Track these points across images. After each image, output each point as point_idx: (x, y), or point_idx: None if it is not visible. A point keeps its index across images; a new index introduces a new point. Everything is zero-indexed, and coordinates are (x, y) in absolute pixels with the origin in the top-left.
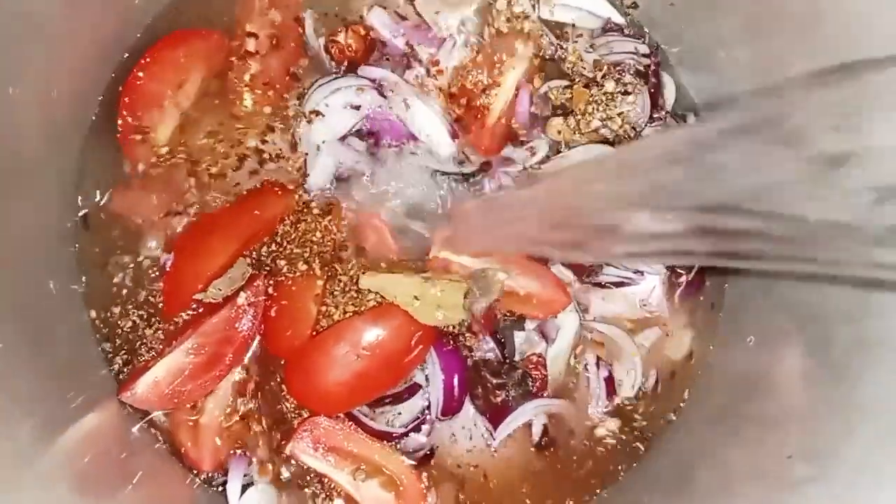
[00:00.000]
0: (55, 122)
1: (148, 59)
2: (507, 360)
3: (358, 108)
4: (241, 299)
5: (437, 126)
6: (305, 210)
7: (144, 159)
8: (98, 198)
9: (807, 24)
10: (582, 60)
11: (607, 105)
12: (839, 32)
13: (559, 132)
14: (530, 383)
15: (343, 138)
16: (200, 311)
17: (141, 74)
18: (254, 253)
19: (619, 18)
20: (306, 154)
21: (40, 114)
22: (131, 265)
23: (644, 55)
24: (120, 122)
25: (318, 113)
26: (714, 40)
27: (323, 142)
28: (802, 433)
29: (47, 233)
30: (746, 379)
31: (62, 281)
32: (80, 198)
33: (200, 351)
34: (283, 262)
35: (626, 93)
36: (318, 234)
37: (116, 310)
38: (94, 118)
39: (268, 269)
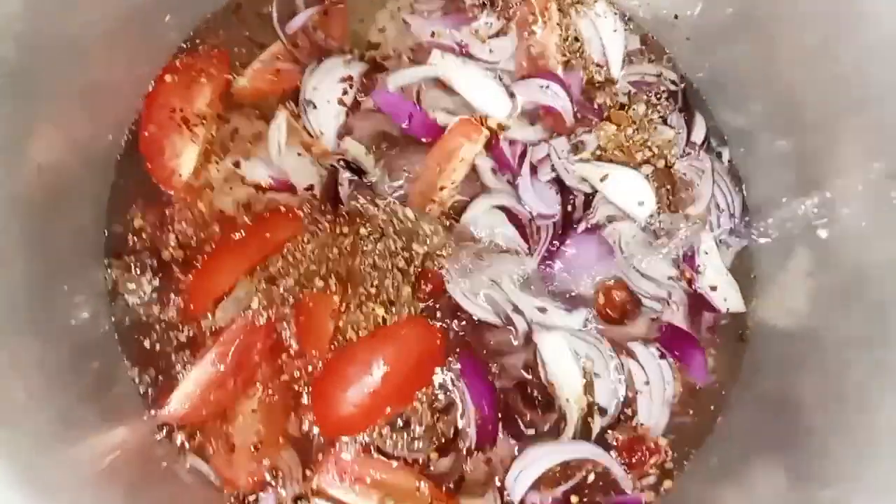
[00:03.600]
0: (90, 148)
1: (155, 88)
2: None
3: (349, 77)
4: (255, 304)
5: (492, 86)
6: (324, 226)
7: (172, 187)
8: (130, 222)
9: (819, 58)
10: (614, 84)
11: (648, 130)
12: (851, 67)
13: (608, 139)
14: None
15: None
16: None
17: (151, 104)
18: (269, 269)
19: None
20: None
21: (76, 139)
22: (157, 287)
23: (672, 81)
24: (144, 150)
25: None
26: (733, 72)
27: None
28: (824, 457)
29: (81, 255)
30: (769, 404)
31: (92, 303)
32: (112, 223)
33: (224, 359)
34: (298, 279)
35: (664, 121)
36: (335, 251)
37: (144, 331)
38: (123, 144)
39: (280, 285)
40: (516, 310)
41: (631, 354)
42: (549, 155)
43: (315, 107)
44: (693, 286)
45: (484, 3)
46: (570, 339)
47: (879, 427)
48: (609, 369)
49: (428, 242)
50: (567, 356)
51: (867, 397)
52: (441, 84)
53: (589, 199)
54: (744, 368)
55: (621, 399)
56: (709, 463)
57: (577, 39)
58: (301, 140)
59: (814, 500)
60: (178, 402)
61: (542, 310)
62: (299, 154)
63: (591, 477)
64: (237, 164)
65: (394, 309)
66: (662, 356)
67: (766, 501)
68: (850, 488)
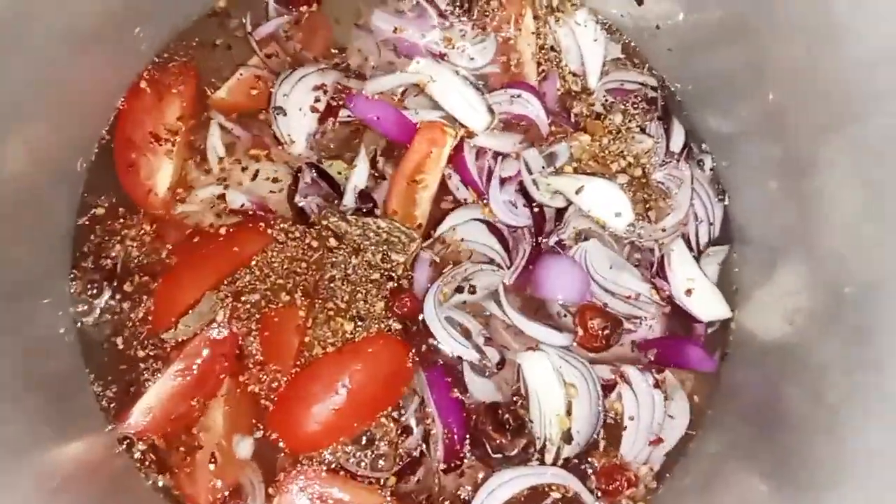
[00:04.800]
0: (58, 161)
1: (125, 104)
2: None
3: (322, 86)
4: (220, 317)
5: (471, 96)
6: (293, 239)
7: (149, 205)
8: (97, 235)
9: (802, 70)
10: (591, 94)
11: (625, 140)
12: (833, 81)
13: (582, 150)
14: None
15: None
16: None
17: (122, 120)
18: (236, 283)
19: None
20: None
21: (44, 152)
22: (122, 300)
23: (652, 87)
24: (118, 169)
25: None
26: (716, 82)
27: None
28: (795, 483)
29: (46, 268)
30: (743, 424)
31: (56, 316)
32: (78, 236)
33: (186, 373)
34: (264, 293)
35: (642, 130)
36: (303, 265)
37: (108, 344)
38: (93, 158)
39: (245, 300)
40: (488, 341)
41: (624, 378)
42: (518, 171)
43: (285, 114)
44: (669, 299)
45: (458, 11)
46: (556, 359)
47: (854, 452)
48: (591, 395)
49: (405, 251)
50: (551, 376)
51: (842, 421)
52: (423, 93)
53: (560, 214)
54: (722, 385)
55: (600, 427)
56: (684, 482)
57: (553, 49)
58: (249, 150)
59: None
60: (139, 416)
61: (521, 330)
62: (247, 168)
63: (560, 502)
64: (222, 197)
65: (363, 324)
66: (656, 385)
67: None
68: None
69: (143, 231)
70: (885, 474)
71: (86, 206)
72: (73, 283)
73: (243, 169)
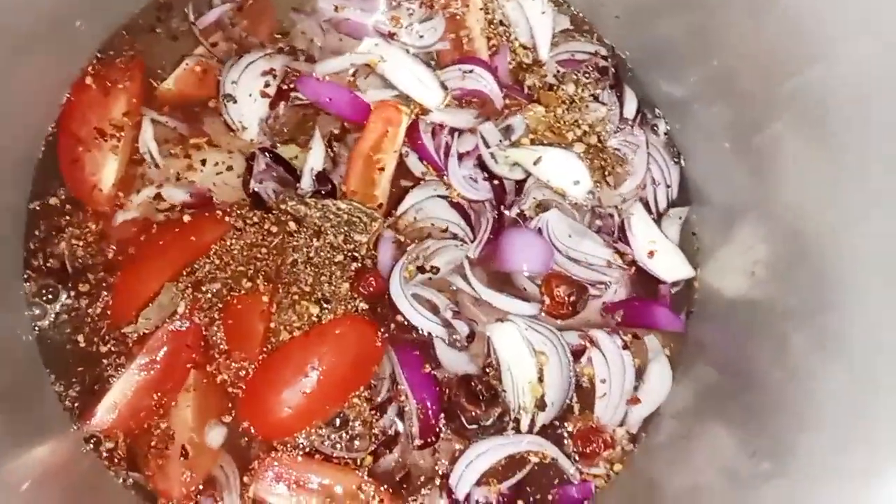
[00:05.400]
0: (4, 160)
1: (70, 101)
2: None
3: (271, 70)
4: (181, 308)
5: (423, 74)
6: (251, 225)
7: (94, 201)
8: (49, 233)
9: (746, 28)
10: (542, 65)
11: (579, 109)
12: (776, 38)
13: (538, 121)
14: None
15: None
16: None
17: (66, 116)
18: (195, 273)
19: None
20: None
21: None
22: (78, 297)
23: (603, 56)
24: (62, 166)
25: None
26: (665, 47)
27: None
28: (763, 432)
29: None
30: (715, 377)
31: (11, 317)
32: (29, 235)
33: (150, 367)
34: (225, 281)
35: (595, 99)
36: (264, 250)
37: (67, 342)
38: (41, 155)
39: (206, 289)
40: (456, 315)
41: (593, 342)
42: (476, 146)
43: (235, 101)
44: (632, 262)
45: None
46: (524, 329)
47: (821, 397)
48: (561, 361)
49: (367, 230)
50: (521, 345)
51: (806, 367)
52: (375, 73)
53: (520, 185)
54: (689, 343)
55: (573, 392)
56: (657, 439)
57: (502, 23)
58: (189, 140)
59: (756, 472)
60: (105, 413)
61: (488, 302)
62: (191, 158)
63: (538, 469)
64: (159, 196)
65: (329, 306)
66: (625, 347)
67: (712, 476)
68: (788, 461)
69: (87, 228)
70: (847, 416)
71: (36, 203)
72: (27, 284)
73: (187, 160)
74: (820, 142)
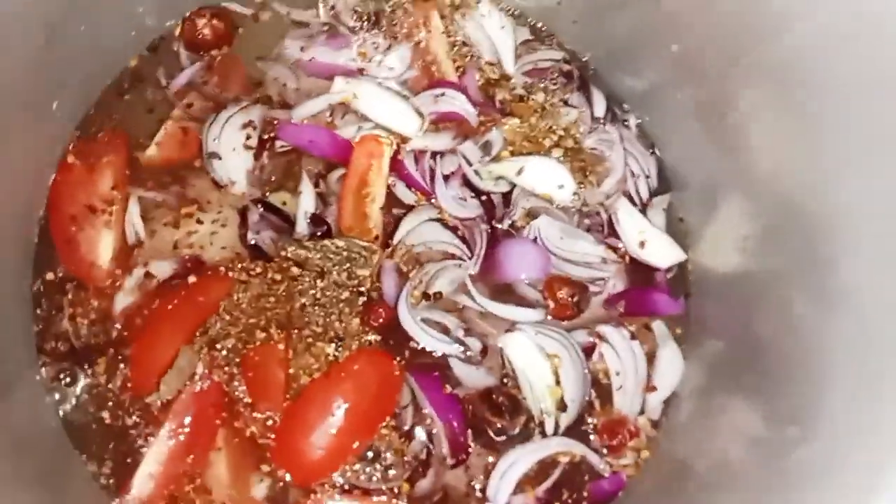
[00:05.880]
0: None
1: (55, 182)
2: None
3: (250, 123)
4: (199, 369)
5: (398, 104)
6: (255, 276)
7: (94, 279)
8: (57, 314)
9: (699, 14)
10: (510, 79)
11: (552, 115)
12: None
13: (514, 133)
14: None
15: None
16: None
17: (54, 197)
18: (208, 332)
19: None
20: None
21: None
22: (96, 374)
23: (566, 61)
24: (58, 248)
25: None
26: (623, 43)
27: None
28: (786, 395)
29: (11, 358)
30: (723, 353)
31: (33, 403)
32: (38, 319)
33: (179, 431)
34: (239, 335)
35: (565, 103)
36: (272, 299)
37: (92, 421)
38: (36, 239)
39: (221, 346)
40: (467, 332)
41: (601, 338)
42: (459, 166)
43: (220, 157)
44: (625, 255)
45: (367, 24)
46: (534, 335)
47: (835, 354)
48: (574, 361)
49: (369, 264)
50: (534, 352)
51: (817, 325)
52: (351, 110)
53: (507, 197)
54: (692, 323)
55: (590, 388)
56: (678, 421)
57: (465, 44)
58: (181, 209)
59: (783, 440)
60: (141, 485)
61: (496, 315)
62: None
63: (569, 468)
64: (149, 274)
65: (343, 343)
66: (633, 337)
67: (740, 449)
68: (814, 420)
69: (92, 306)
70: (866, 370)
71: (39, 287)
72: (43, 370)
73: (181, 228)
74: (789, 110)
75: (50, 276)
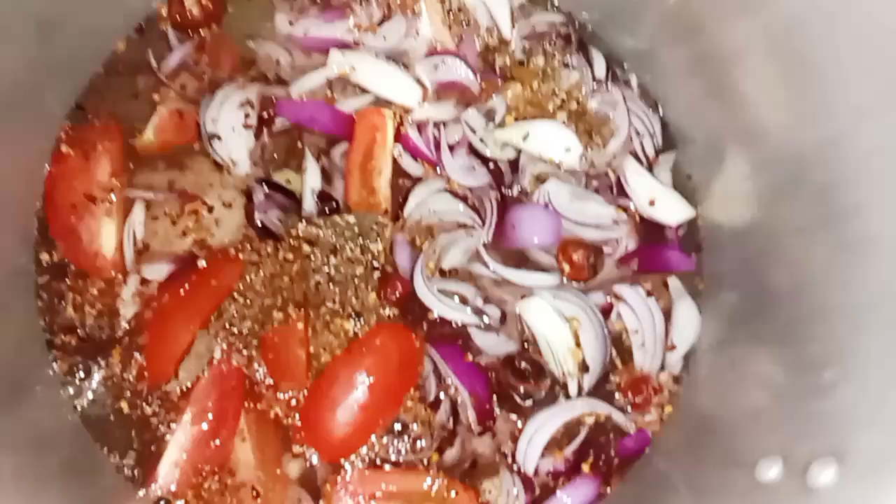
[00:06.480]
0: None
1: (51, 173)
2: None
3: (248, 101)
4: (217, 353)
5: (397, 75)
6: (266, 257)
7: (99, 269)
8: (65, 308)
9: None
10: (508, 44)
11: (553, 79)
12: None
13: (517, 98)
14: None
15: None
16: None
17: (50, 189)
18: (223, 316)
19: None
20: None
21: None
22: (112, 364)
23: (562, 24)
24: (59, 240)
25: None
26: (619, 3)
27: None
28: (813, 342)
29: (25, 355)
30: (742, 306)
31: (51, 398)
32: (47, 314)
33: (202, 417)
34: (255, 316)
35: (566, 66)
36: (286, 279)
37: (111, 412)
38: (35, 232)
39: (238, 329)
40: (487, 300)
41: (618, 297)
42: (464, 134)
43: (220, 138)
44: (636, 214)
45: None
46: (551, 299)
47: (864, 298)
48: (593, 322)
49: (381, 237)
50: (552, 316)
51: (840, 270)
52: (350, 83)
53: (514, 163)
54: (707, 277)
55: (610, 348)
56: (700, 375)
57: (460, 10)
58: (185, 207)
59: (816, 386)
60: (167, 474)
61: (512, 282)
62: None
63: (595, 428)
64: (144, 281)
65: (361, 319)
66: (648, 294)
67: (768, 401)
68: (847, 364)
69: (100, 296)
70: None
71: (45, 282)
72: (55, 364)
73: (187, 221)
74: (791, 63)
75: (52, 270)
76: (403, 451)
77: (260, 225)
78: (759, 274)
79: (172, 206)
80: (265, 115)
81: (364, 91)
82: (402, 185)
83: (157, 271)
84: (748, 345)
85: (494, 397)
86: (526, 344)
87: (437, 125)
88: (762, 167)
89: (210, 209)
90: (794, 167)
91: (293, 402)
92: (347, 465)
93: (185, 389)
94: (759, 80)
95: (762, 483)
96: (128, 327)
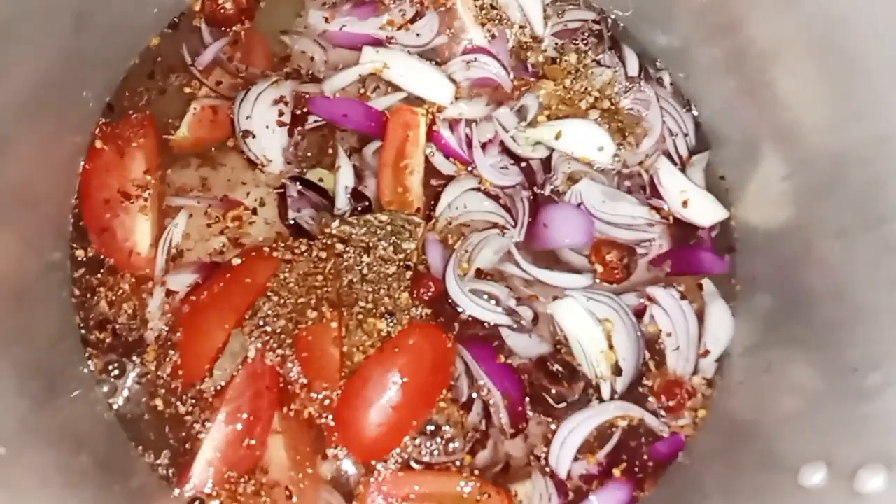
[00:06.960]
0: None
1: (85, 170)
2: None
3: (281, 98)
4: (251, 352)
5: (430, 72)
6: (300, 255)
7: (134, 267)
8: (99, 307)
9: None
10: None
11: (585, 77)
12: None
13: (549, 96)
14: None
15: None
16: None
17: (85, 185)
18: (257, 314)
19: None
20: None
21: (25, 239)
22: (146, 363)
23: (594, 21)
24: (93, 237)
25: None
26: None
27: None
28: (854, 345)
29: (61, 354)
30: (776, 309)
31: (86, 397)
32: (82, 312)
33: (235, 417)
34: (289, 315)
35: (598, 64)
36: (319, 277)
37: (146, 411)
38: (70, 230)
39: (272, 328)
40: (518, 302)
41: (651, 299)
42: (496, 132)
43: (254, 136)
44: (669, 214)
45: None
46: (584, 301)
47: (883, 312)
48: (626, 324)
49: (414, 237)
50: (585, 317)
51: (882, 277)
52: (382, 80)
53: (546, 162)
54: (740, 280)
55: (643, 351)
56: (735, 380)
57: (493, 7)
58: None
59: (859, 390)
60: (201, 473)
61: (544, 282)
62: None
63: (628, 431)
64: (169, 293)
65: (394, 319)
66: (682, 297)
67: (807, 405)
68: (893, 368)
69: (135, 294)
70: None
71: (81, 280)
72: (90, 362)
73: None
74: (834, 59)
75: (86, 265)
76: (436, 453)
77: (293, 223)
78: (794, 276)
79: (215, 211)
80: (298, 112)
81: (397, 89)
82: (435, 183)
83: (182, 282)
84: (784, 348)
85: (527, 399)
86: (558, 346)
87: (469, 123)
88: (800, 167)
89: (254, 211)
90: (834, 166)
91: (326, 402)
92: (380, 466)
93: (219, 388)
94: (798, 77)
95: (804, 488)
96: (157, 334)
